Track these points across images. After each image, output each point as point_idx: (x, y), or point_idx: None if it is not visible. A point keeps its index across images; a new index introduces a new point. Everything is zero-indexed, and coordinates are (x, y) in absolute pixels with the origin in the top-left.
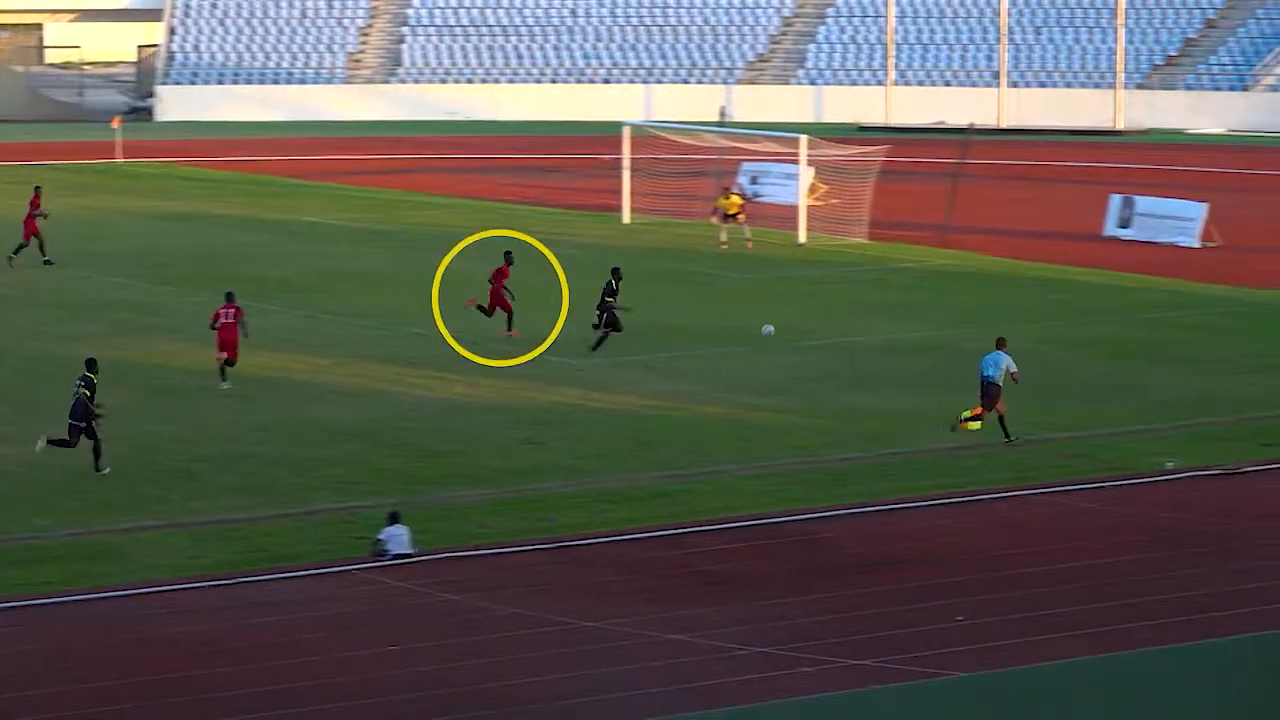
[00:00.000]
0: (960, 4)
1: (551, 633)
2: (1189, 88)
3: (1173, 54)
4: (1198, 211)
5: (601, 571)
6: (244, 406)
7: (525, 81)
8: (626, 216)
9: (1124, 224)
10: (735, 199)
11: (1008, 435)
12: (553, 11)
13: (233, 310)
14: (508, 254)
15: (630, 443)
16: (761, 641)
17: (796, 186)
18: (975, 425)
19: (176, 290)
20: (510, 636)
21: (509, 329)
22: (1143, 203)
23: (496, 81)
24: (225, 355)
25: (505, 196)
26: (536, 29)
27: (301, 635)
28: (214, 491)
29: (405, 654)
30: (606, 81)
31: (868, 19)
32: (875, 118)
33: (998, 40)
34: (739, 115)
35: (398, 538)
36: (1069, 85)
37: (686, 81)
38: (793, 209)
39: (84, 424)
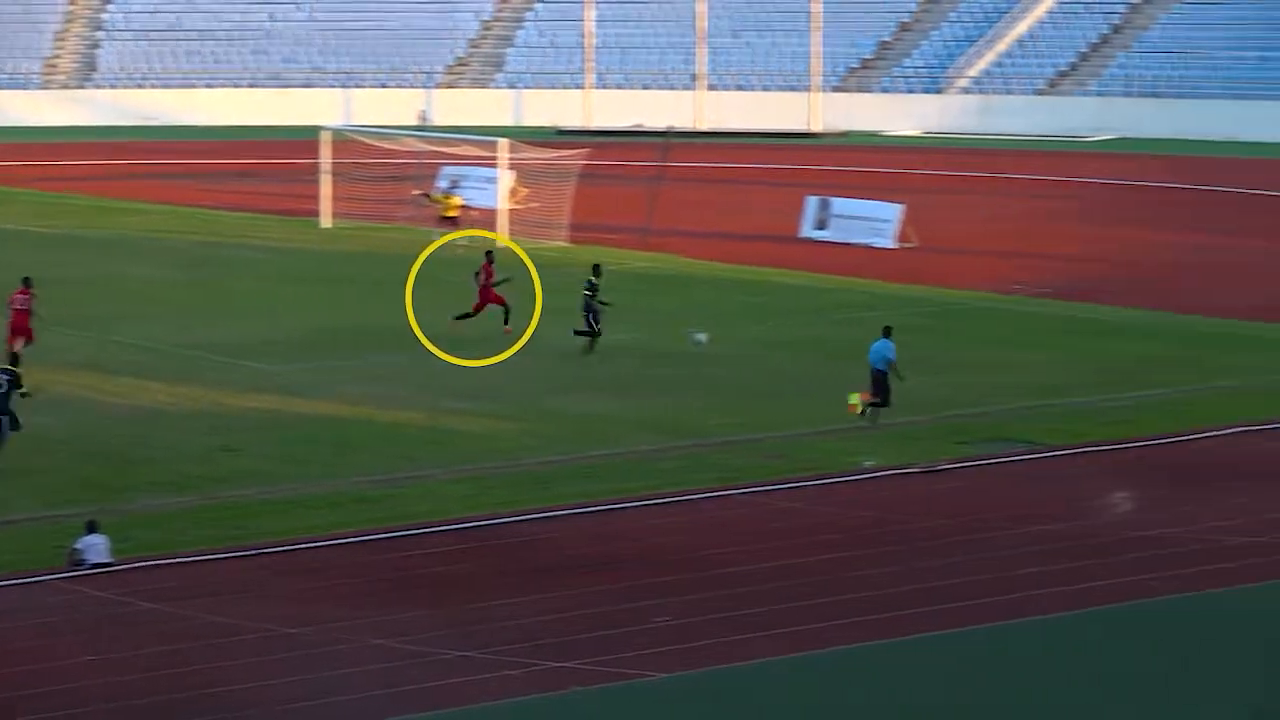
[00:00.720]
0: (658, 8)
1: (253, 640)
2: (884, 90)
3: (867, 57)
4: (893, 213)
5: (303, 578)
6: None
7: (223, 86)
8: (326, 221)
9: (821, 226)
10: (456, 200)
11: (865, 414)
12: (250, 16)
13: (26, 295)
14: (489, 253)
15: (330, 448)
16: (466, 645)
17: (497, 190)
18: (860, 408)
19: None
20: (212, 644)
21: (506, 324)
22: (839, 204)
23: (194, 86)
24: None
25: (204, 202)
26: (235, 33)
27: None
28: None
29: (104, 664)
30: (305, 86)
31: (566, 22)
32: (575, 121)
33: (695, 44)
34: (439, 119)
35: (95, 547)
36: (766, 88)
37: (385, 86)
38: (494, 213)
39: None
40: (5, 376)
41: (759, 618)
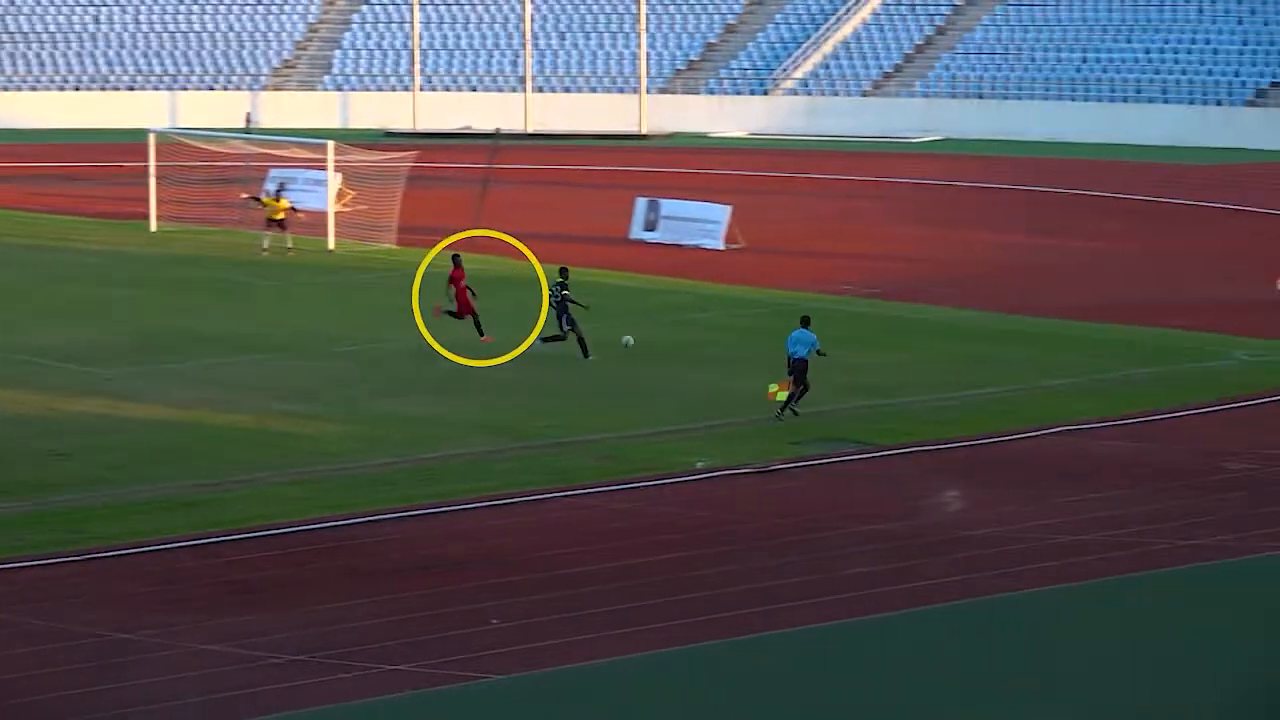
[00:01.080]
0: (484, 10)
1: (85, 645)
2: (711, 92)
3: (694, 59)
4: (722, 214)
5: (134, 582)
6: None
7: (47, 89)
8: (154, 224)
9: (650, 227)
10: (284, 203)
11: (786, 410)
12: (74, 18)
13: None
14: (455, 256)
15: (160, 452)
16: (300, 649)
17: (324, 193)
18: (783, 395)
19: None
20: (42, 650)
21: (481, 334)
22: (668, 206)
23: (18, 89)
24: None
25: (28, 205)
26: (59, 35)
27: None
28: None
29: None
30: (131, 88)
31: (393, 25)
32: (402, 123)
33: (522, 46)
34: (266, 121)
35: None
36: (594, 90)
37: (212, 88)
38: (322, 215)
39: None
40: None
41: (599, 618)
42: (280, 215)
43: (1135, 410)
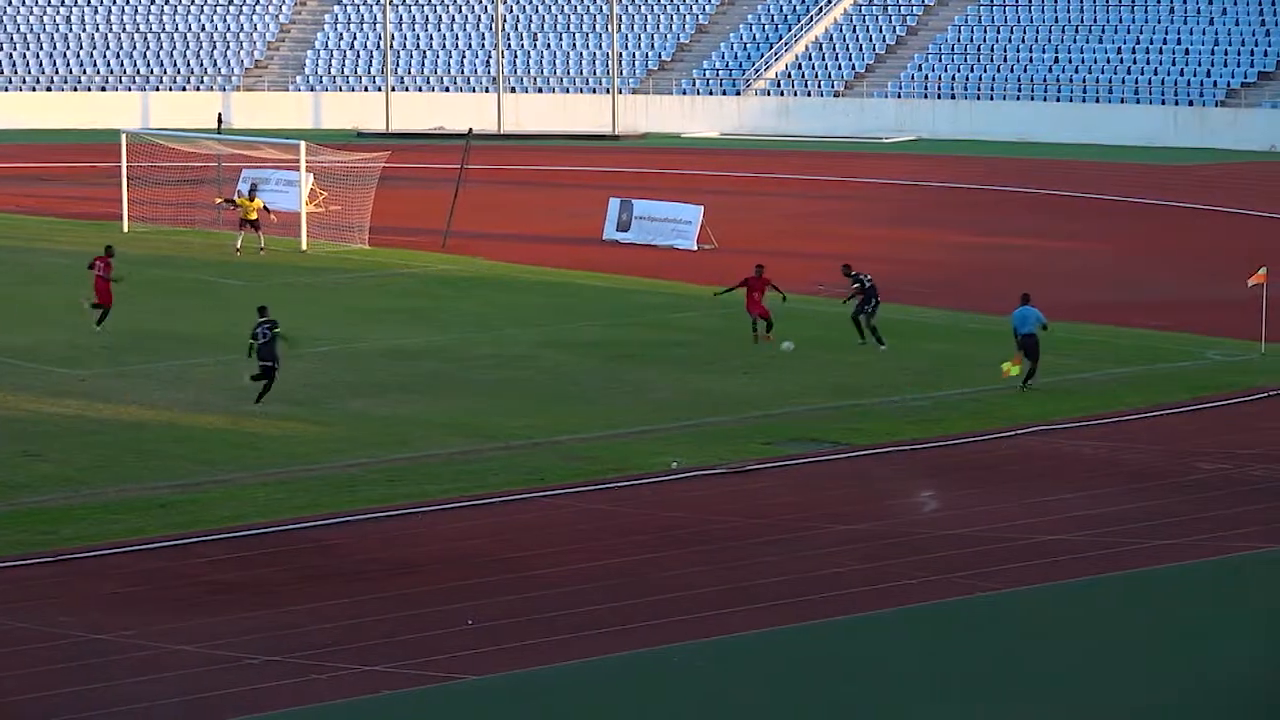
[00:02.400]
0: (456, 10)
1: (58, 646)
2: (683, 92)
3: (666, 59)
4: (694, 214)
5: (107, 583)
6: None
7: (19, 90)
8: (126, 225)
9: (623, 227)
10: (257, 203)
11: (1026, 385)
12: (46, 19)
13: None
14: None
15: (133, 453)
16: (273, 650)
17: (297, 193)
18: (1016, 370)
19: None
20: (14, 651)
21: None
22: (641, 206)
23: None
24: None
25: (1, 206)
26: (30, 36)
27: None
28: None
29: None
30: (103, 89)
31: (365, 25)
32: (375, 124)
33: (495, 46)
34: (238, 122)
35: None
36: (567, 90)
37: (184, 89)
38: (294, 215)
39: None
40: None
41: (574, 619)
42: (253, 215)
43: (1109, 410)
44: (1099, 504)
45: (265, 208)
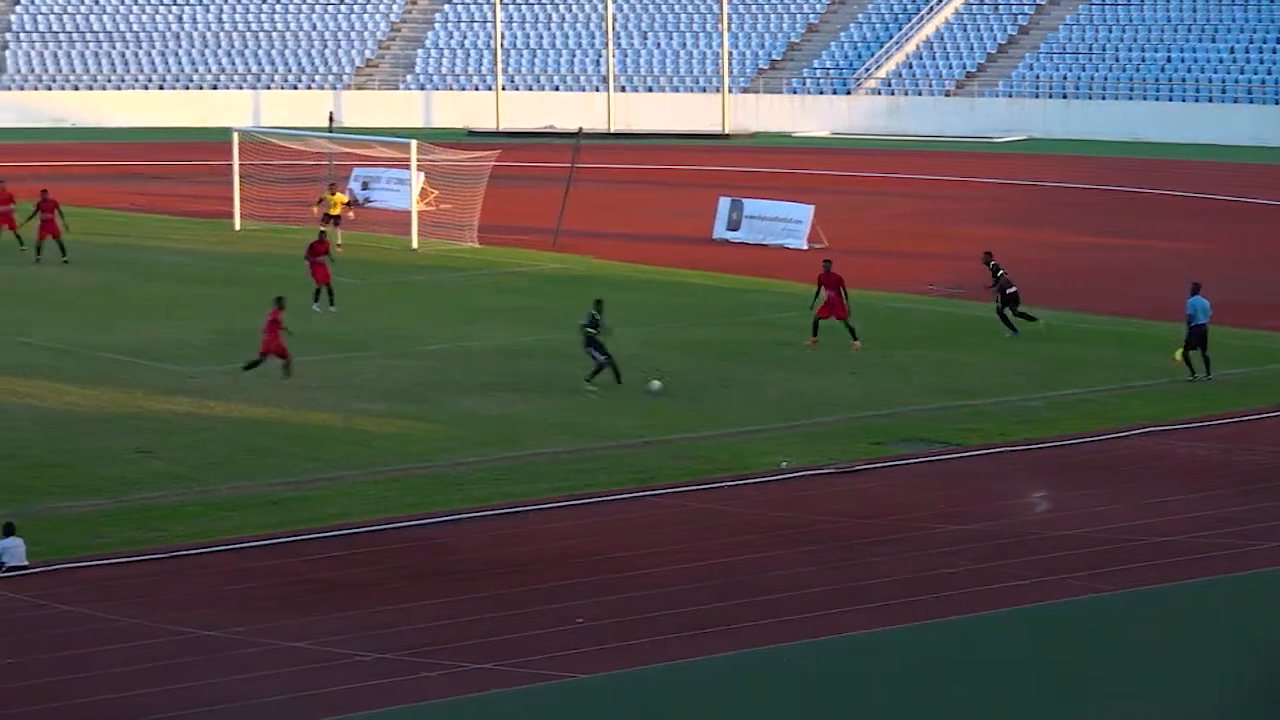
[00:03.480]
0: (567, 9)
1: (169, 643)
2: (794, 91)
3: (776, 58)
4: (805, 213)
5: (218, 580)
6: None
7: (132, 88)
8: (238, 223)
9: (733, 227)
10: (340, 198)
11: (1206, 372)
12: (159, 17)
13: None
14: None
15: (244, 450)
16: (383, 648)
17: (408, 192)
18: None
19: None
20: (127, 648)
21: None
22: (751, 205)
23: (103, 88)
24: None
25: (114, 204)
26: (142, 35)
27: None
28: None
29: (19, 667)
30: (215, 88)
31: (475, 24)
32: (485, 123)
33: (605, 45)
34: (348, 121)
35: (12, 550)
36: (676, 90)
37: (295, 87)
38: (405, 214)
39: None
40: None
41: (676, 619)
42: (336, 211)
43: (1222, 411)
44: (1215, 505)
45: (348, 203)
